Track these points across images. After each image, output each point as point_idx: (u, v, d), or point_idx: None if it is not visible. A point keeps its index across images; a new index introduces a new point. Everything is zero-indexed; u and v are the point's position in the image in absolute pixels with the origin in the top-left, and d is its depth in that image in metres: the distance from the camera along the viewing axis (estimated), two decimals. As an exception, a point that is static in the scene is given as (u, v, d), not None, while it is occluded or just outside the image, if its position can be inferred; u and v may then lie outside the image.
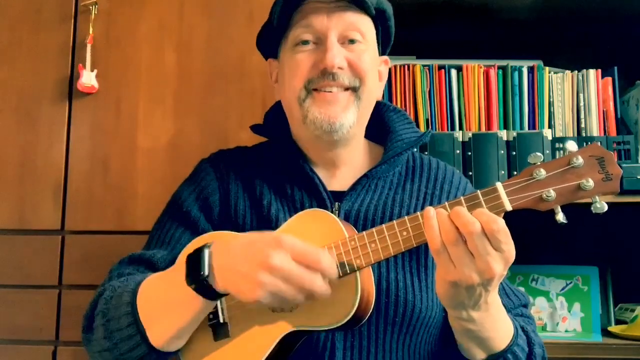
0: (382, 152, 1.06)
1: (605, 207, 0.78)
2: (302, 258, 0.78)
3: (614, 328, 1.53)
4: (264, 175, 1.05)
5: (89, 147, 1.45)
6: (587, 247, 1.70)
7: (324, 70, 0.96)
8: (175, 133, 1.46)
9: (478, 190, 0.81)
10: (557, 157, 1.48)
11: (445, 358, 1.03)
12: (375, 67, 1.04)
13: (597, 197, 0.79)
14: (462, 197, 0.80)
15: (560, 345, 1.41)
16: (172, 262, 0.96)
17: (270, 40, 1.07)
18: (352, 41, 0.99)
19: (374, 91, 1.04)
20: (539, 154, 0.80)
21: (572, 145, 0.80)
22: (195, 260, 0.82)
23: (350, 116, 0.98)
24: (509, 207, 0.79)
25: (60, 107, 1.46)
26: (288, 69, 1.01)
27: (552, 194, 0.78)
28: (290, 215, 0.99)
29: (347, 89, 0.98)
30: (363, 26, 1.01)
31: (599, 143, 1.45)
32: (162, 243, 1.02)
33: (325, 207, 0.99)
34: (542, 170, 0.79)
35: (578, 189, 0.79)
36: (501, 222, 0.75)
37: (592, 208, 0.78)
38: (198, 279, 0.81)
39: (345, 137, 0.99)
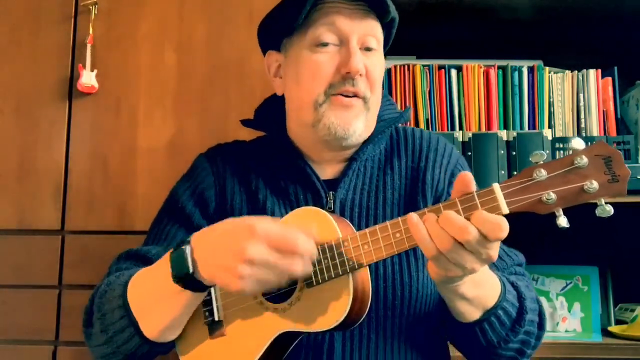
0: None
1: (611, 211, 0.73)
2: (278, 244, 0.76)
3: (614, 328, 1.53)
4: (260, 169, 1.05)
5: (89, 147, 1.46)
6: (587, 247, 1.70)
7: (346, 75, 0.95)
8: (175, 133, 1.46)
9: (474, 191, 0.76)
10: (558, 156, 1.49)
11: (442, 333, 1.03)
12: (382, 76, 1.04)
13: (602, 200, 0.74)
14: (457, 199, 0.77)
15: (560, 345, 1.41)
16: None
17: (274, 32, 1.05)
18: (368, 49, 0.98)
19: (379, 101, 1.03)
20: (542, 152, 0.75)
21: (577, 143, 0.74)
22: (177, 257, 0.82)
23: (360, 124, 0.98)
24: (505, 211, 0.75)
25: (60, 107, 1.47)
26: (306, 70, 0.98)
27: (553, 196, 0.74)
28: (286, 209, 1.00)
29: (359, 97, 0.97)
30: (378, 33, 1.00)
31: (604, 141, 1.47)
32: (159, 239, 1.02)
33: (320, 198, 1.00)
34: (542, 170, 0.75)
35: (581, 191, 0.73)
36: (505, 225, 0.73)
37: (596, 211, 0.74)
38: (184, 277, 0.81)
39: (353, 144, 1.00)
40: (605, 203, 0.74)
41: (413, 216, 0.76)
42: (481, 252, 0.74)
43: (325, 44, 0.97)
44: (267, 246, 0.76)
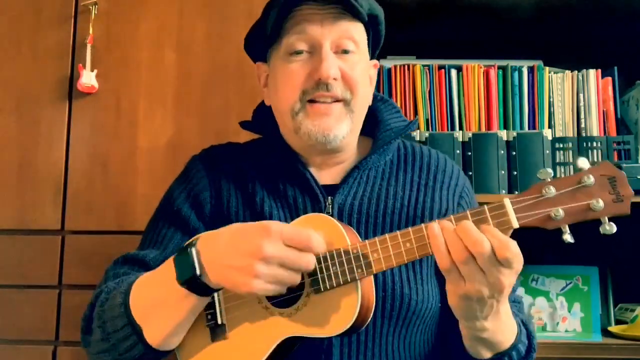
0: (371, 143, 1.06)
1: (614, 229, 0.76)
2: (292, 241, 0.78)
3: (614, 328, 1.53)
4: (256, 171, 1.05)
5: (89, 147, 1.46)
6: (587, 247, 1.70)
7: (318, 80, 0.95)
8: (175, 133, 1.46)
9: (485, 206, 0.78)
10: (557, 156, 1.50)
11: (442, 349, 1.03)
12: (366, 76, 1.03)
13: (606, 218, 0.77)
14: (468, 212, 0.79)
15: (560, 345, 1.41)
16: (164, 262, 0.96)
17: (259, 44, 1.06)
18: (345, 51, 0.98)
19: (365, 100, 1.03)
20: (549, 170, 0.78)
21: (583, 163, 0.78)
22: (183, 260, 0.82)
23: (344, 128, 0.97)
24: (516, 225, 0.77)
25: (60, 107, 1.47)
26: (281, 79, 1.00)
27: (561, 213, 0.76)
28: (284, 212, 1.00)
29: (338, 100, 0.97)
30: (356, 34, 0.99)
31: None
32: (155, 243, 1.02)
33: (318, 202, 0.99)
34: (551, 187, 0.77)
35: (588, 209, 0.76)
36: (514, 248, 0.74)
37: (600, 229, 0.76)
38: (190, 279, 0.81)
39: (338, 146, 1.00)
40: (609, 220, 0.77)
41: (434, 226, 0.78)
42: (492, 270, 0.75)
43: (299, 52, 0.98)
44: (283, 244, 0.77)
